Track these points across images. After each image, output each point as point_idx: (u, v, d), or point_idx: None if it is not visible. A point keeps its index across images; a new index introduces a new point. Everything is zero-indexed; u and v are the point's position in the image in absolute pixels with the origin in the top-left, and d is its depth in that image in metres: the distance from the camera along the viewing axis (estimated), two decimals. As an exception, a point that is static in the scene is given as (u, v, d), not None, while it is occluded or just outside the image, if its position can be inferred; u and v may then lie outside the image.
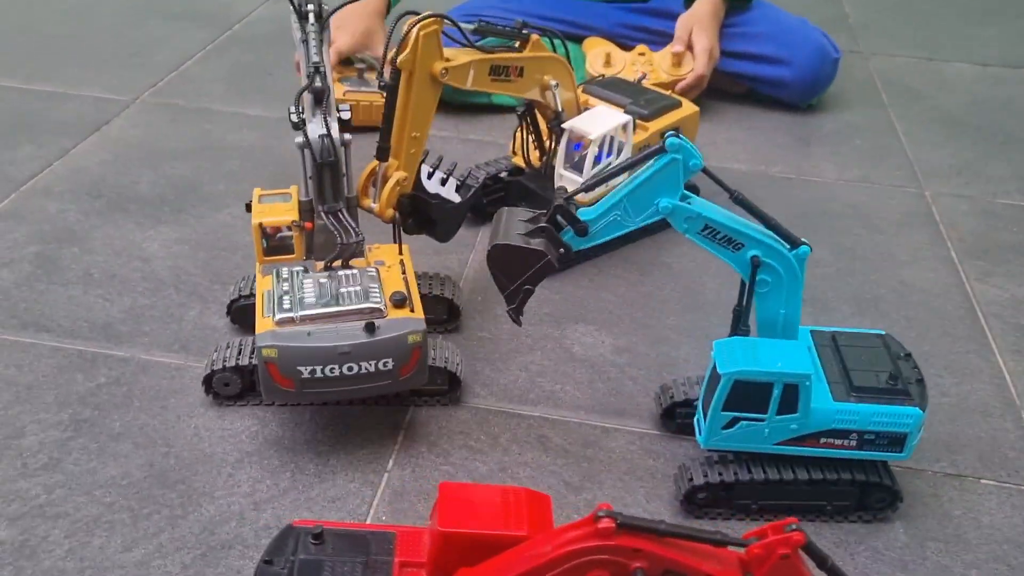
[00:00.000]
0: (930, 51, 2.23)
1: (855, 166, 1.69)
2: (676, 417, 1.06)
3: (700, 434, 0.95)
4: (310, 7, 1.05)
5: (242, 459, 1.00)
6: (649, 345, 1.20)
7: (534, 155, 1.36)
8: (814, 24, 1.88)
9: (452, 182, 1.19)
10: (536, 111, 1.32)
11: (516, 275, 0.89)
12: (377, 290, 0.95)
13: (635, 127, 1.31)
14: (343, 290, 0.95)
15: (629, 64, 1.75)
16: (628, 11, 1.90)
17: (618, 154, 1.29)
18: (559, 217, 0.87)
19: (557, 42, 1.26)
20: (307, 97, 1.00)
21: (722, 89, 1.85)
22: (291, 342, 0.91)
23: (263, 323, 0.93)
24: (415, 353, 0.94)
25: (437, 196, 1.15)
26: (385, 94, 1.08)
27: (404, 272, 1.01)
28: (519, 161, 1.39)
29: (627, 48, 1.80)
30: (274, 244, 1.00)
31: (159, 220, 1.41)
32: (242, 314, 1.16)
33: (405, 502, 0.97)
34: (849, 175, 1.66)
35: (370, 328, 0.92)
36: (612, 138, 1.28)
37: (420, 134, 1.10)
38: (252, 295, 1.11)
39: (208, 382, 1.04)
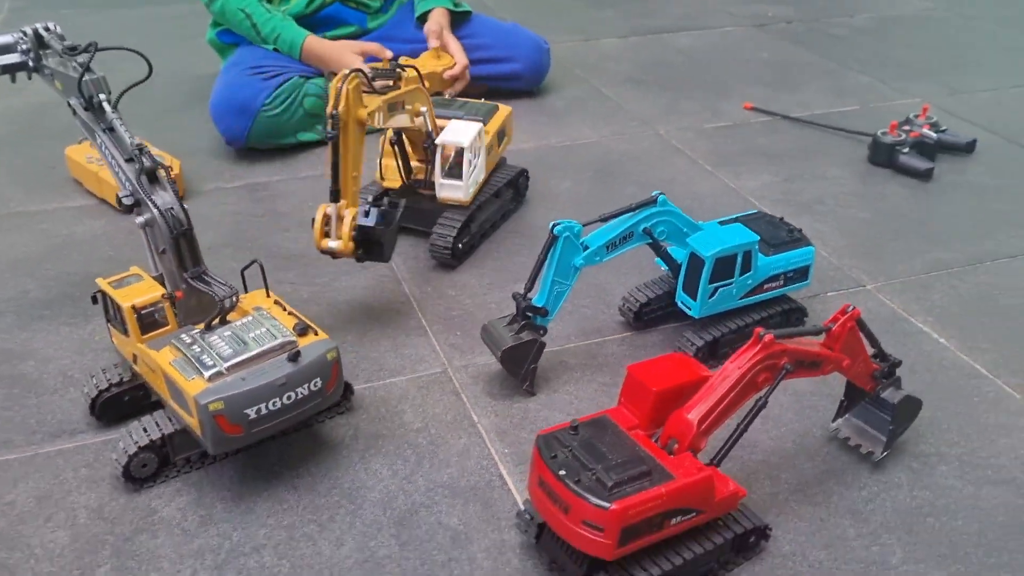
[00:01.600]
0: (584, 34, 2.76)
1: (603, 125, 2.13)
2: (642, 316, 1.39)
3: (692, 310, 1.29)
4: (101, 97, 1.13)
5: (367, 452, 1.14)
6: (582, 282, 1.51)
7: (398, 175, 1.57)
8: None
9: (373, 210, 1.34)
10: (403, 136, 1.52)
11: (523, 361, 1.23)
12: (279, 326, 1.05)
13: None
14: (249, 336, 1.03)
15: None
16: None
17: (475, 155, 1.53)
18: (528, 312, 1.22)
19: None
20: (136, 179, 1.08)
21: (465, 93, 2.19)
22: (233, 390, 0.98)
23: (193, 385, 0.98)
24: (335, 368, 1.07)
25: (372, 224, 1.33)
26: (330, 144, 1.24)
27: (285, 308, 1.11)
28: (391, 184, 1.58)
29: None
30: (148, 322, 1.07)
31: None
32: (111, 407, 1.17)
33: (510, 436, 1.18)
34: (605, 132, 2.09)
35: (295, 357, 1.02)
36: (472, 145, 1.52)
37: (357, 173, 1.28)
38: (123, 382, 1.16)
39: (127, 468, 1.07)
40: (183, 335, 1.05)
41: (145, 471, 1.08)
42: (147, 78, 1.17)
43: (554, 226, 1.19)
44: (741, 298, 1.30)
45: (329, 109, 1.22)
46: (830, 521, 1.06)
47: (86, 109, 1.15)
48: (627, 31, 2.81)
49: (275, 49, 2.00)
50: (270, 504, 1.08)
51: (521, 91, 2.26)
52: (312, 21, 2.07)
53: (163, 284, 1.12)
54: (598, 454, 0.91)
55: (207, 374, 1.00)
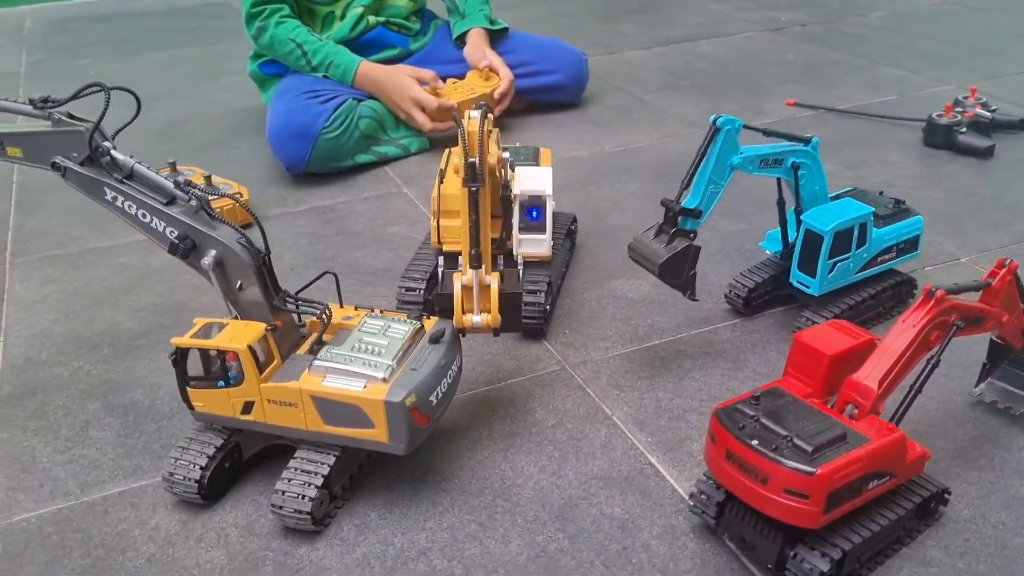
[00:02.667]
0: (606, 48, 2.78)
1: (652, 130, 2.12)
2: (751, 302, 1.37)
3: (811, 288, 1.27)
4: (107, 145, 1.03)
5: (507, 451, 1.11)
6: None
7: None
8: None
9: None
10: None
11: (682, 271, 1.20)
12: (393, 319, 1.05)
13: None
14: (377, 335, 1.02)
15: (453, 90, 2.01)
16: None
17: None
18: (680, 215, 1.18)
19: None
20: (192, 218, 1.00)
21: (509, 109, 2.18)
22: (416, 381, 0.96)
23: (374, 392, 0.95)
24: (459, 344, 1.08)
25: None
26: (469, 198, 1.03)
27: (373, 310, 1.08)
28: (452, 247, 1.30)
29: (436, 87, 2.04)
30: (260, 361, 1.00)
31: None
32: (218, 480, 1.06)
33: (650, 425, 1.16)
34: (656, 136, 2.09)
35: (438, 336, 1.02)
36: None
37: (492, 234, 1.13)
38: (222, 448, 1.05)
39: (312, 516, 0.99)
40: (315, 359, 0.99)
41: (323, 509, 1.01)
42: (136, 116, 1.05)
43: (716, 119, 1.15)
44: (857, 272, 1.29)
45: (467, 157, 1.00)
46: (1001, 483, 1.04)
47: (83, 164, 1.01)
48: (648, 42, 2.83)
49: (325, 76, 1.99)
50: (424, 508, 1.04)
51: (563, 104, 2.26)
52: (356, 45, 2.07)
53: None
54: (786, 422, 0.89)
55: (381, 375, 0.97)
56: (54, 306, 1.48)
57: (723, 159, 1.18)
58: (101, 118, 1.01)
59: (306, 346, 1.05)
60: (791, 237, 1.31)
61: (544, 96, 2.23)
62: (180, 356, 1.01)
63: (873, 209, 1.26)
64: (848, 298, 1.30)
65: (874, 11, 3.11)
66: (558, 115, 2.22)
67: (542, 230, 1.30)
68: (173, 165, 1.76)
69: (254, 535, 1.02)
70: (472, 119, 1.03)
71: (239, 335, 1.01)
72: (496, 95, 2.05)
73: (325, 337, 1.05)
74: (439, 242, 1.32)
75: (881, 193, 1.38)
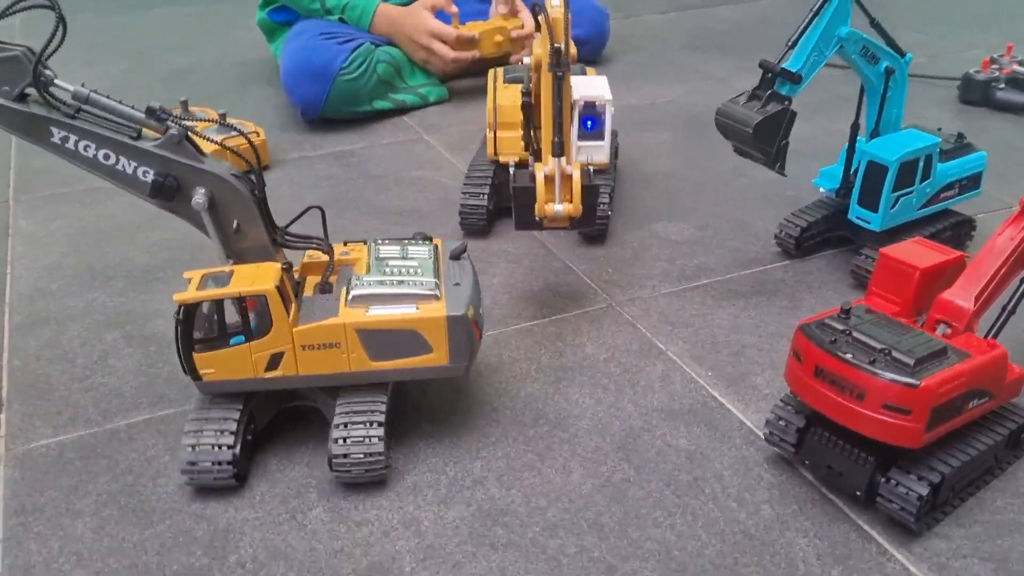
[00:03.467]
0: (623, 11, 2.71)
1: (679, 85, 2.06)
2: (803, 243, 1.31)
3: (872, 223, 1.21)
4: (48, 74, 0.85)
5: (560, 383, 1.04)
6: (718, 219, 1.43)
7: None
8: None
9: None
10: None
11: (775, 137, 1.11)
12: (401, 242, 0.97)
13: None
14: (398, 260, 0.94)
15: (472, 26, 1.92)
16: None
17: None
18: (778, 78, 1.10)
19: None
20: (174, 151, 0.86)
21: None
22: (466, 295, 0.90)
23: (431, 309, 0.87)
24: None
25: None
26: (555, 82, 1.00)
27: (364, 242, 0.99)
28: (508, 157, 1.34)
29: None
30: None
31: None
32: (248, 456, 0.94)
33: (708, 360, 1.09)
34: (682, 91, 2.02)
35: (459, 253, 0.96)
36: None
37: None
38: (244, 417, 0.92)
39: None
40: (354, 291, 0.88)
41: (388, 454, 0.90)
42: (62, 35, 0.83)
43: None
44: (919, 208, 1.23)
45: (551, 42, 0.98)
46: (1090, 415, 0.98)
47: (17, 99, 0.84)
48: (666, 7, 2.76)
49: (340, 19, 1.91)
50: (475, 438, 0.97)
51: (584, 60, 2.18)
52: (374, -10, 1.98)
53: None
54: (881, 336, 0.82)
55: (432, 292, 0.88)
56: (63, 241, 1.40)
57: (832, 27, 1.12)
58: (49, 42, 0.82)
59: (309, 287, 0.95)
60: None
61: (566, 50, 2.16)
62: (186, 315, 0.85)
63: (940, 140, 1.20)
64: (908, 237, 1.24)
65: (891, -19, 3.05)
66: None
67: (600, 137, 1.28)
68: (185, 104, 1.68)
69: (294, 464, 0.94)
70: (555, 7, 0.99)
71: (259, 277, 0.86)
72: (515, 36, 1.97)
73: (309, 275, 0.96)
74: (495, 153, 1.33)
75: (939, 130, 1.32)
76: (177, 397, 1.04)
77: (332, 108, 1.80)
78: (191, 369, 0.88)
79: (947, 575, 0.80)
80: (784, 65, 1.11)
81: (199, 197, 0.86)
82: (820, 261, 1.31)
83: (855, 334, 0.83)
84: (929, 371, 0.78)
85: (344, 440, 0.88)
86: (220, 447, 0.88)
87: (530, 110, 1.18)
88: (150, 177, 0.86)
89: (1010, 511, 0.87)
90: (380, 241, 0.98)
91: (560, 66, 0.99)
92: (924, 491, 0.80)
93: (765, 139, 1.10)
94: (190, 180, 0.87)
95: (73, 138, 0.84)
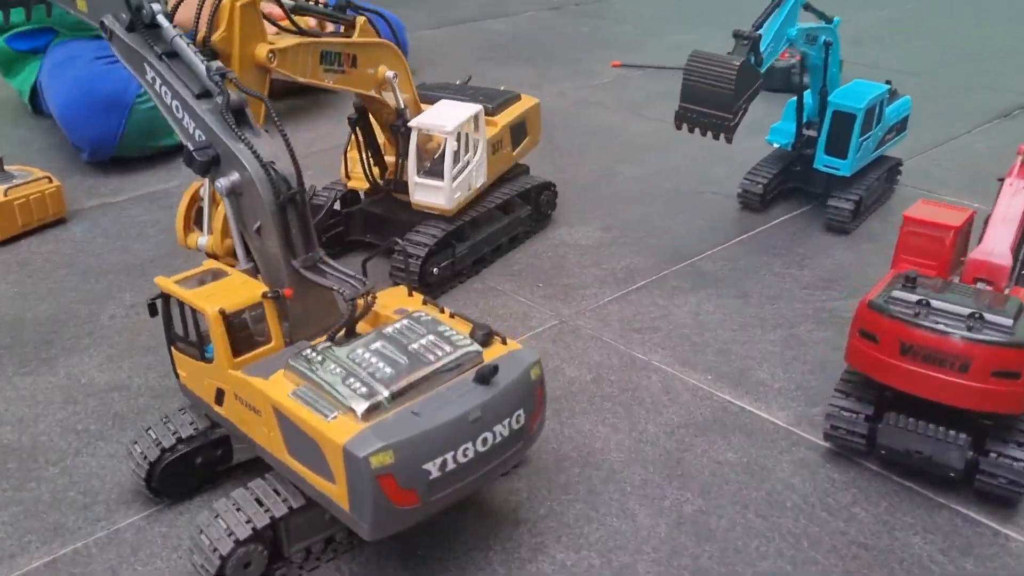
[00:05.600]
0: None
1: (497, 93, 1.96)
2: (766, 197, 1.32)
3: (841, 169, 1.23)
4: (155, 7, 0.79)
5: (560, 416, 0.89)
6: (615, 219, 1.34)
7: (375, 171, 1.16)
8: None
9: None
10: (370, 117, 1.13)
11: (746, 90, 1.05)
12: (451, 331, 0.70)
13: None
14: (410, 346, 0.68)
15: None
16: None
17: (472, 151, 1.13)
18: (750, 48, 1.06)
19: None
20: (217, 120, 0.75)
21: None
22: (405, 432, 0.62)
23: (337, 427, 0.62)
24: (540, 393, 0.70)
25: None
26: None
27: (443, 311, 0.75)
28: (357, 184, 1.19)
29: None
30: (241, 336, 0.72)
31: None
32: (175, 475, 0.78)
33: (700, 364, 0.99)
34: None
35: (488, 375, 0.66)
36: (463, 135, 1.11)
37: None
38: (194, 437, 0.78)
39: (222, 571, 0.69)
40: (305, 352, 0.69)
41: (248, 573, 0.70)
42: None
43: None
44: (873, 152, 1.27)
45: (200, 34, 0.85)
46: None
47: (130, 29, 0.79)
48: (436, 22, 2.67)
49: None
50: (503, 499, 0.80)
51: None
52: None
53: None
54: (962, 301, 0.76)
55: (360, 407, 0.63)
56: None
57: (786, 26, 1.12)
58: None
59: (324, 338, 0.71)
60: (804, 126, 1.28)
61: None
62: (163, 302, 0.76)
63: (888, 87, 1.25)
64: (858, 186, 1.25)
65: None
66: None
67: (438, 175, 1.09)
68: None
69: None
70: None
71: (224, 293, 0.72)
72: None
73: (361, 328, 0.73)
74: (347, 176, 1.22)
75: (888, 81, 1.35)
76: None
77: (128, 144, 1.50)
78: (171, 360, 0.79)
79: (1061, 542, 0.75)
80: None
81: (223, 180, 0.75)
82: (737, 248, 1.26)
83: (934, 303, 0.76)
84: (1025, 330, 0.73)
85: (201, 529, 0.70)
86: (154, 447, 0.78)
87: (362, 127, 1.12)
88: (197, 144, 0.75)
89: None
90: (441, 311, 0.75)
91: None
92: (1030, 458, 0.75)
93: (740, 86, 1.04)
94: (224, 158, 0.75)
95: (159, 81, 0.78)
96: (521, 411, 0.68)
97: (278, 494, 0.71)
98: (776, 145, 1.31)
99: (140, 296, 1.12)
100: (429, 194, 1.09)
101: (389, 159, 1.16)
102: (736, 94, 1.03)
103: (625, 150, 1.63)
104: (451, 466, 0.64)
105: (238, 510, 0.70)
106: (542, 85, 2.02)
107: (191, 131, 0.77)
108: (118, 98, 1.46)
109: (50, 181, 1.31)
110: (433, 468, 0.63)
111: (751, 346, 1.02)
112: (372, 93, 1.06)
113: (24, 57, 1.70)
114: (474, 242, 1.16)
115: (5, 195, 1.26)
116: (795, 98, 1.25)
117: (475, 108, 1.12)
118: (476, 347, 0.69)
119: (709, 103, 1.04)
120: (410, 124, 1.07)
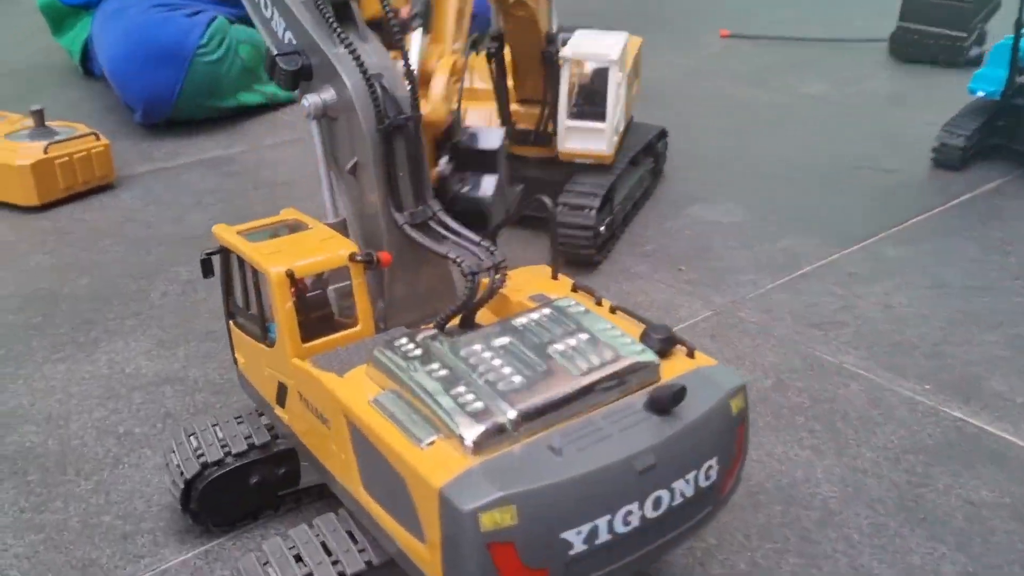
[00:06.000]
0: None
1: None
2: (967, 153, 1.12)
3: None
4: None
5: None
6: (759, 199, 1.13)
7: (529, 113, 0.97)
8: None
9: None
10: (507, 44, 0.93)
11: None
12: (615, 331, 0.49)
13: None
14: (551, 348, 0.47)
15: None
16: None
17: (622, 85, 0.95)
18: None
19: None
20: (312, 16, 0.55)
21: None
22: (537, 478, 0.42)
23: (439, 459, 0.42)
24: (740, 434, 0.49)
25: None
26: None
27: (601, 302, 0.55)
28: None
29: None
30: (317, 314, 0.55)
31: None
32: (219, 498, 0.59)
33: (905, 365, 0.77)
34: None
35: (663, 402, 0.45)
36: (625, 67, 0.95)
37: None
38: (248, 452, 0.58)
39: None
40: (399, 342, 0.47)
41: None
42: None
43: None
44: None
45: None
46: None
47: None
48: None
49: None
50: (689, 553, 0.58)
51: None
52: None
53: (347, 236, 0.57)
54: None
55: (471, 432, 0.42)
56: None
57: None
58: None
59: (432, 325, 0.50)
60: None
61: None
62: (222, 258, 0.58)
63: None
64: None
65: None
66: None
67: (599, 116, 0.92)
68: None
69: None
70: None
71: (297, 250, 0.53)
72: None
73: (482, 317, 0.53)
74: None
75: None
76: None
77: (186, 103, 1.32)
78: (229, 339, 0.61)
79: None
80: None
81: (311, 97, 0.55)
82: (918, 229, 1.03)
83: None
84: None
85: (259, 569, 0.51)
86: (192, 461, 0.58)
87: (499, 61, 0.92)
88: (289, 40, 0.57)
89: None
90: (578, 293, 0.55)
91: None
92: None
93: None
94: (319, 68, 0.55)
95: None
96: (714, 460, 0.46)
97: (353, 540, 0.50)
98: (980, 94, 1.09)
99: (197, 272, 0.94)
100: (585, 139, 0.91)
101: (515, 109, 0.97)
102: (975, 5, 0.81)
103: (755, 123, 1.41)
104: (604, 537, 0.43)
105: (297, 559, 0.50)
106: (645, 54, 1.81)
107: (280, 33, 0.57)
108: (176, 49, 1.28)
109: (97, 139, 1.13)
110: (576, 539, 0.42)
111: (970, 348, 0.80)
112: (522, 13, 0.87)
113: (75, 12, 1.54)
114: (621, 200, 0.97)
115: (45, 152, 1.07)
116: (1010, 37, 1.02)
117: (624, 35, 0.96)
118: (651, 357, 0.47)
119: (938, 19, 0.82)
120: (563, 53, 0.90)
